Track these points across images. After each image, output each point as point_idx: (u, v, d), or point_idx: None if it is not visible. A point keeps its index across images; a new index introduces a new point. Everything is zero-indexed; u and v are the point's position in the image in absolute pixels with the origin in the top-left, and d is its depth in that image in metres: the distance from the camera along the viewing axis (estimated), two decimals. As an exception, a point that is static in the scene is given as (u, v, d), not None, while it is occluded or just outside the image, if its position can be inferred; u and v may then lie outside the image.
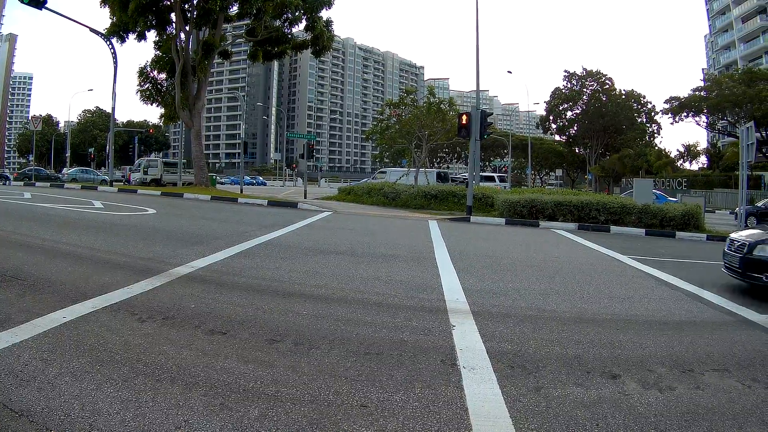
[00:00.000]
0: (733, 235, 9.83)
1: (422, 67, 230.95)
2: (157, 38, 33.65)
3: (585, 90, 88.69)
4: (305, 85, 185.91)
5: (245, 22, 35.68)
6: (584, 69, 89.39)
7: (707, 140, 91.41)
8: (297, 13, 34.30)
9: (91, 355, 4.38)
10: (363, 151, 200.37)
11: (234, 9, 33.64)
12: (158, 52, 33.62)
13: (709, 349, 5.75)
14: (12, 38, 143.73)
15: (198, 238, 11.63)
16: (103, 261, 8.48)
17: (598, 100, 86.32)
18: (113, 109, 35.55)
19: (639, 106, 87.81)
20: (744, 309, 7.70)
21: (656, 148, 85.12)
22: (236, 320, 5.62)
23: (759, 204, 32.61)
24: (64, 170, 58.95)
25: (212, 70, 40.12)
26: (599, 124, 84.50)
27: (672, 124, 70.13)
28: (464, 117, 22.47)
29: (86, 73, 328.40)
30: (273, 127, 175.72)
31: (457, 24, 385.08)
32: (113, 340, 4.75)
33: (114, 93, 33.42)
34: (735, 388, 4.60)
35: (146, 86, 33.81)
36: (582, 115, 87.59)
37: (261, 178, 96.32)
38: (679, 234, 19.12)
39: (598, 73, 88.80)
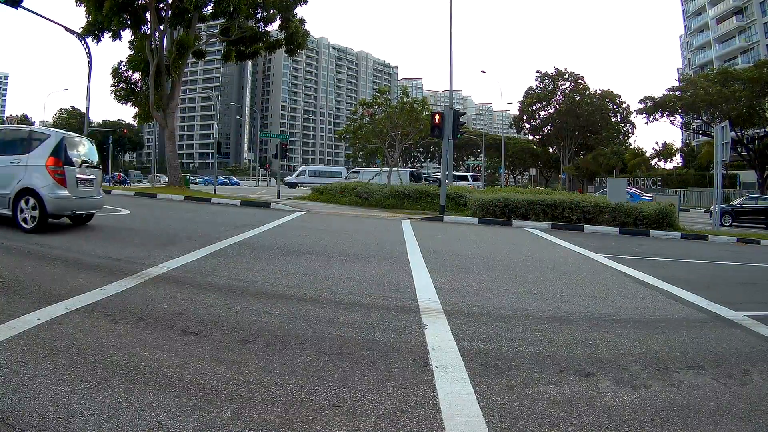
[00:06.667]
0: None
1: (396, 67, 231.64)
2: (132, 37, 33.36)
3: (558, 90, 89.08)
4: (279, 84, 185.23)
5: (219, 21, 35.49)
6: (556, 69, 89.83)
7: (681, 140, 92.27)
8: (272, 12, 34.22)
9: (66, 356, 4.38)
10: (336, 151, 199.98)
11: (208, 8, 33.47)
12: (133, 51, 33.32)
13: (683, 346, 5.86)
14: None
15: (171, 238, 11.59)
16: (77, 262, 8.43)
17: (572, 99, 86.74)
18: (87, 109, 35.08)
19: (614, 106, 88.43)
20: (718, 307, 7.86)
21: (631, 147, 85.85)
22: (209, 321, 5.65)
23: (735, 203, 32.99)
24: None
25: (186, 70, 39.95)
26: (574, 124, 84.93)
27: (647, 123, 70.56)
28: (437, 116, 22.54)
29: (61, 72, 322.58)
30: (246, 126, 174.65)
31: (432, 24, 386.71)
32: (87, 342, 4.75)
33: (88, 93, 32.93)
34: (710, 386, 4.70)
35: (120, 86, 33.44)
36: (556, 114, 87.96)
37: (234, 179, 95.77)
38: (654, 233, 19.38)
39: (567, 72, 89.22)
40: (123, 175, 63.13)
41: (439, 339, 5.51)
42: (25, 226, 10.84)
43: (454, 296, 7.58)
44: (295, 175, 74.41)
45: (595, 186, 71.42)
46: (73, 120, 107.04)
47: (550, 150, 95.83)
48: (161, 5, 32.49)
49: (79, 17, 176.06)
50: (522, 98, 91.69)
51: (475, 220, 20.94)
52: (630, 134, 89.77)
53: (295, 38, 35.33)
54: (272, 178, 67.19)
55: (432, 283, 8.27)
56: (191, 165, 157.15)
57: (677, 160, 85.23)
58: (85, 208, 12.19)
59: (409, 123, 34.75)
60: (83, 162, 12.04)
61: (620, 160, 79.45)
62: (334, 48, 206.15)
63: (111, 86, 33.31)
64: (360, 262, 10.19)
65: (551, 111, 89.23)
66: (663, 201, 23.45)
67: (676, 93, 62.02)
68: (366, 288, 7.76)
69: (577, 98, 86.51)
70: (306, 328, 5.63)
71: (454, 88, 26.32)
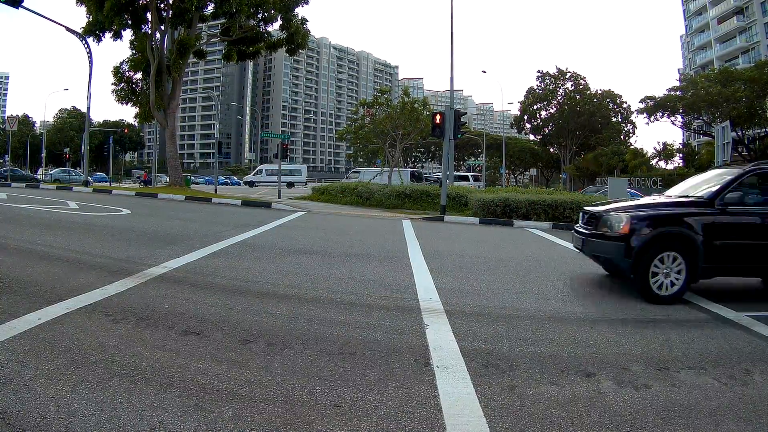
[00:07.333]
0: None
1: (397, 67, 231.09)
2: (133, 37, 33.38)
3: (559, 90, 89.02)
4: (280, 84, 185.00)
5: (220, 21, 35.52)
6: (557, 68, 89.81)
7: (682, 140, 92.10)
8: (273, 12, 34.24)
9: (67, 356, 4.38)
10: (337, 151, 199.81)
11: (209, 8, 33.51)
12: (134, 51, 33.35)
13: (684, 347, 5.84)
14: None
15: (172, 238, 11.60)
16: (78, 262, 8.44)
17: (572, 99, 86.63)
18: (88, 108, 35.23)
19: (615, 106, 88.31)
20: (719, 306, 7.80)
21: (631, 147, 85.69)
22: (210, 321, 5.64)
23: None
24: (40, 170, 58.48)
25: (187, 70, 40.04)
26: (574, 124, 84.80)
27: (647, 124, 70.24)
28: (438, 116, 22.52)
29: (62, 72, 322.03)
30: (247, 126, 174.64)
31: (432, 23, 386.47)
32: (88, 342, 4.75)
33: (89, 93, 33.06)
34: (711, 386, 4.68)
35: (121, 86, 33.47)
36: (557, 114, 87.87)
37: (235, 178, 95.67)
38: (655, 232, 19.28)
39: (568, 71, 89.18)
40: (149, 175, 62.42)
41: (441, 339, 5.50)
42: None
43: (455, 296, 7.57)
44: (252, 173, 74.28)
45: (595, 185, 71.19)
46: (73, 120, 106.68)
47: (551, 150, 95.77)
48: (162, 5, 32.54)
49: (79, 17, 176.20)
50: (523, 98, 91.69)
51: (476, 220, 20.92)
52: (631, 134, 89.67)
53: (296, 38, 35.36)
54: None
55: (433, 283, 8.25)
56: (192, 165, 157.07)
57: (678, 161, 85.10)
58: None
59: (409, 123, 34.80)
60: None
61: (621, 160, 79.23)
62: (334, 48, 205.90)
63: (112, 86, 33.38)
64: (361, 262, 10.19)
65: (552, 111, 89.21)
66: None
67: (677, 93, 61.77)
68: (367, 288, 7.76)
69: (578, 98, 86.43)
70: (307, 328, 5.63)
71: (454, 88, 26.29)
